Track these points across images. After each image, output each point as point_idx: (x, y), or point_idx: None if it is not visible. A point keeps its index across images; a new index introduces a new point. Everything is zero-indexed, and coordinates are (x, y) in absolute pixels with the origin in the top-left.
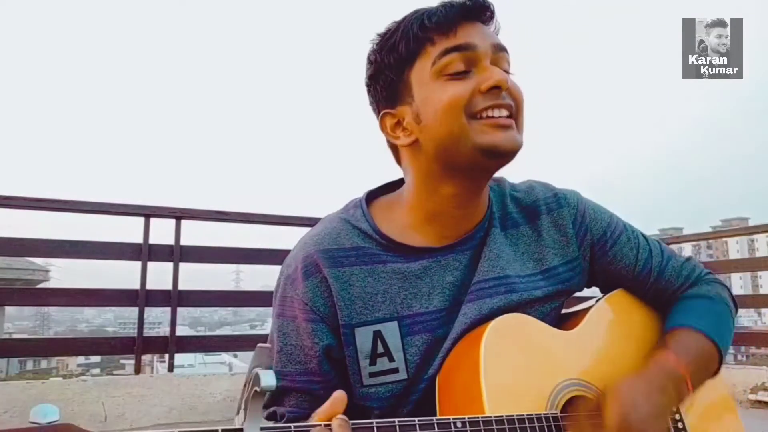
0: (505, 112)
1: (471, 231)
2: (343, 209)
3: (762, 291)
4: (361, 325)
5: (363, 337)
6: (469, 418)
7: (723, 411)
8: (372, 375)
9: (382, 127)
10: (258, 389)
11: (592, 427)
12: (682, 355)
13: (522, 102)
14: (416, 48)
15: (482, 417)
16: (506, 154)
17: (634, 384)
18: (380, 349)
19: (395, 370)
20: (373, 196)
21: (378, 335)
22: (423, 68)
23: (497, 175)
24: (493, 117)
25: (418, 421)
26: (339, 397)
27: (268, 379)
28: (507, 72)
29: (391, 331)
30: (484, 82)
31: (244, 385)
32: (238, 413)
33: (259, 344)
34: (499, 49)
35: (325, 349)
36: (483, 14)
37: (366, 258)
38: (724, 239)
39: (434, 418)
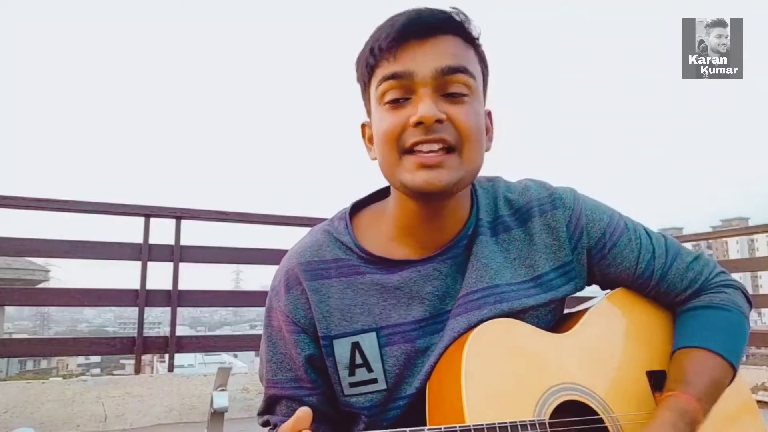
0: (435, 147)
1: (451, 241)
2: (329, 221)
3: (762, 291)
4: (340, 337)
5: (341, 348)
6: (445, 428)
7: (742, 413)
8: (352, 385)
9: (362, 135)
10: (213, 411)
11: None
12: (694, 387)
13: (469, 131)
14: (367, 70)
15: (460, 426)
16: (429, 195)
17: None
18: (358, 359)
19: (374, 381)
20: (360, 205)
21: (356, 346)
22: (373, 90)
23: (492, 174)
24: (421, 152)
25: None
26: (303, 416)
27: (221, 400)
28: (460, 95)
29: (369, 342)
30: (413, 116)
31: (210, 404)
32: None
33: (220, 366)
34: (446, 72)
35: (308, 358)
36: (435, 30)
37: (345, 270)
38: (724, 239)
39: (407, 429)
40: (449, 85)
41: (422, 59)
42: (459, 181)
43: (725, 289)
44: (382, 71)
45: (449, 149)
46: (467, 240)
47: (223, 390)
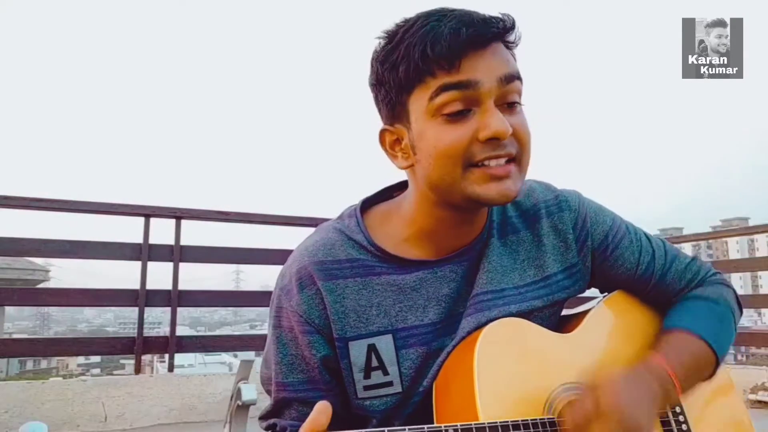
0: (503, 161)
1: (469, 244)
2: (338, 218)
3: (762, 291)
4: (355, 339)
5: (357, 351)
6: (461, 425)
7: (727, 402)
8: (366, 388)
9: (381, 142)
10: (240, 403)
11: (585, 417)
12: (672, 358)
13: (527, 142)
14: (415, 76)
15: (475, 424)
16: (497, 205)
17: (624, 376)
18: (374, 362)
19: (390, 384)
20: (369, 203)
21: (372, 348)
22: (421, 99)
23: None
24: (489, 166)
25: (409, 429)
26: (322, 409)
27: (250, 393)
28: (516, 103)
29: (385, 344)
30: (483, 131)
31: (231, 398)
32: (225, 426)
33: (243, 359)
34: (508, 80)
35: (323, 360)
36: (497, 37)
37: (360, 270)
38: (724, 239)
39: (425, 426)
40: (508, 94)
41: (485, 68)
42: (520, 190)
43: (718, 285)
44: (438, 80)
45: (511, 159)
46: (482, 243)
47: (246, 383)
